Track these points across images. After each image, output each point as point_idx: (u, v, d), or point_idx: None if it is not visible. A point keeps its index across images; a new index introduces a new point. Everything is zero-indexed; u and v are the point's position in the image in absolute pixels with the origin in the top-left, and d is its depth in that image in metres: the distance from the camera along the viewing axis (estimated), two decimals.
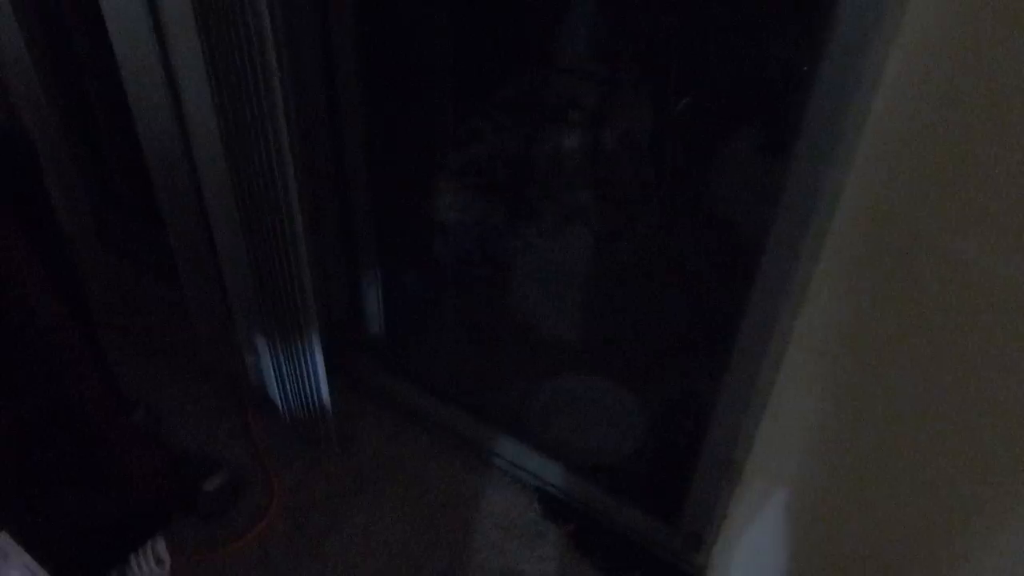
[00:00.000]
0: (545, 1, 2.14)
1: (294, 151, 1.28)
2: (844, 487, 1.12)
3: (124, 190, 1.99)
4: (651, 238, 2.10)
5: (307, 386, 1.57)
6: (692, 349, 1.76)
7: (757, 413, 1.18)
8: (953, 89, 0.79)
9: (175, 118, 1.36)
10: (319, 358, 1.49)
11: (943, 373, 0.95)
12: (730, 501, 1.25)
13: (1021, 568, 1.00)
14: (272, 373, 1.61)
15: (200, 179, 1.42)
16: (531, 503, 1.56)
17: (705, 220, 1.94)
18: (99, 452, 1.36)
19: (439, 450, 1.66)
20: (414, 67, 1.78)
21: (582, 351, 1.86)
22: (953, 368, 0.94)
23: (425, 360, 1.84)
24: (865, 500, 1.11)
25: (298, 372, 1.56)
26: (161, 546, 1.34)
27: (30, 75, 1.70)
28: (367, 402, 1.74)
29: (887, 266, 0.92)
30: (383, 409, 1.73)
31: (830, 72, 0.88)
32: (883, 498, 1.09)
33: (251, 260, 1.45)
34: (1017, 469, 0.94)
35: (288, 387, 1.60)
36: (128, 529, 1.35)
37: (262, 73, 1.17)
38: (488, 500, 1.57)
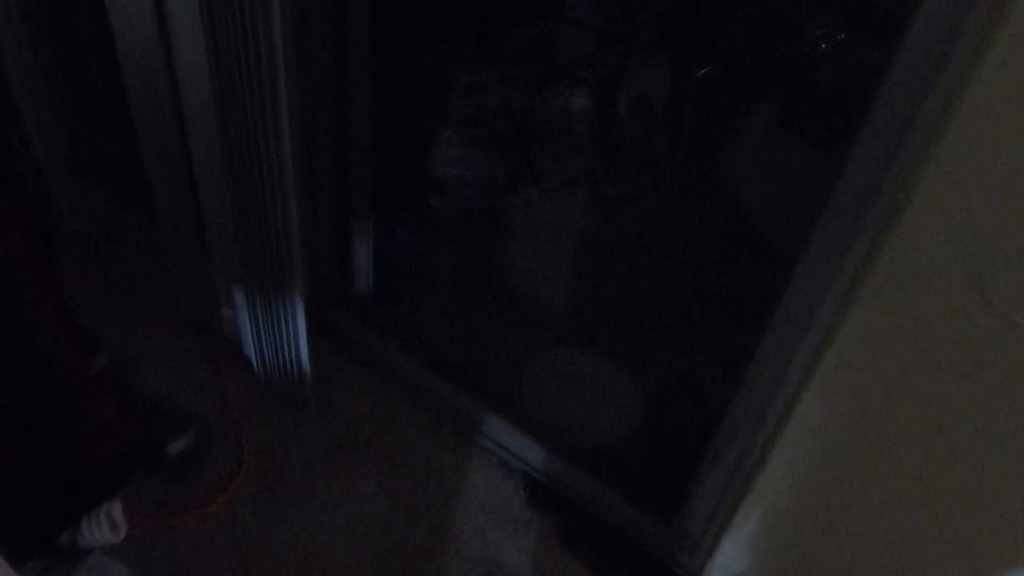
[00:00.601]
0: None
1: (290, 87, 1.15)
2: (860, 519, 1.03)
3: (104, 111, 1.83)
4: (663, 211, 1.98)
5: (286, 345, 1.46)
6: (706, 334, 1.66)
7: (776, 424, 1.08)
8: None
9: (159, 36, 1.21)
10: (301, 318, 1.38)
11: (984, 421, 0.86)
12: (736, 513, 1.16)
13: None
14: (249, 328, 1.49)
15: (182, 107, 1.28)
16: (517, 488, 1.47)
17: (725, 201, 1.82)
18: (52, 401, 1.24)
19: (423, 421, 1.56)
20: (424, 9, 1.63)
21: (582, 325, 1.75)
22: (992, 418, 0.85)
23: (414, 324, 1.73)
24: (882, 539, 1.02)
25: (277, 330, 1.44)
26: (117, 509, 1.24)
27: None
28: (350, 364, 1.63)
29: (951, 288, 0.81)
30: (367, 372, 1.62)
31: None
32: (898, 540, 1.01)
33: (234, 206, 1.32)
34: None
35: (265, 344, 1.49)
36: (81, 489, 1.25)
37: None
38: (471, 480, 1.47)
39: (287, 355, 1.48)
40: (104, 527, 1.21)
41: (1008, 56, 0.68)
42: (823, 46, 1.69)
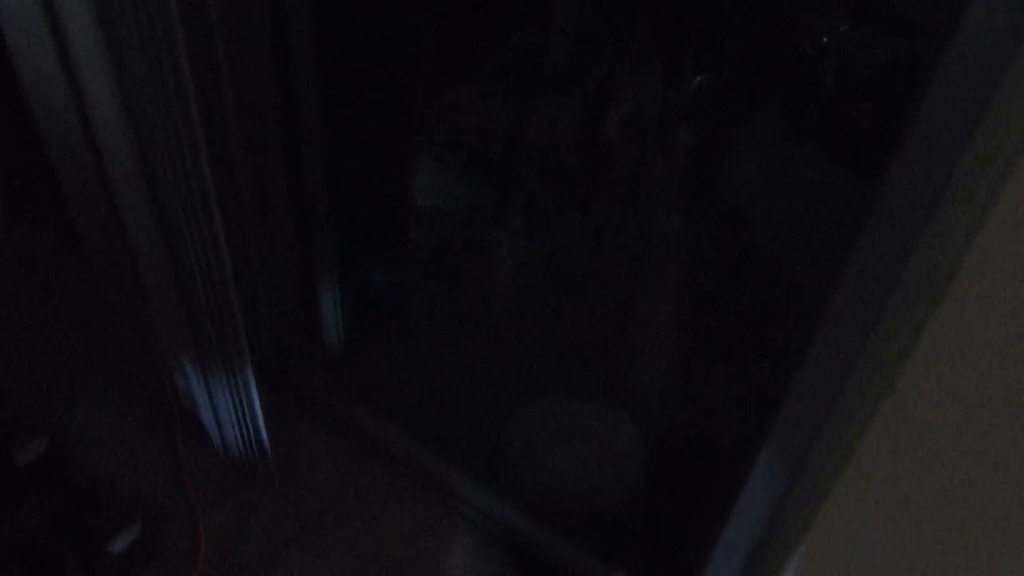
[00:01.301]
0: None
1: (231, 128, 1.01)
2: None
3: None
4: (666, 240, 1.82)
5: (243, 418, 1.31)
6: (721, 380, 1.50)
7: (806, 498, 0.93)
8: None
9: (76, 112, 1.06)
10: (253, 389, 1.23)
11: None
12: None
13: None
14: (204, 398, 1.34)
15: (104, 162, 1.13)
16: (504, 566, 1.31)
17: (736, 226, 1.66)
18: None
19: (402, 493, 1.40)
20: (384, 18, 1.48)
21: (580, 376, 1.59)
22: None
23: (391, 381, 1.57)
24: None
25: (232, 401, 1.30)
26: None
27: None
28: (319, 429, 1.48)
29: None
30: (337, 438, 1.47)
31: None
32: None
33: (174, 276, 1.17)
34: None
35: (223, 416, 1.34)
36: None
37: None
38: (458, 560, 1.32)
39: (245, 427, 1.33)
40: None
41: None
42: (839, 38, 1.52)
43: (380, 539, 1.33)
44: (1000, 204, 0.60)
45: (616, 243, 1.80)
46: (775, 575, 1.01)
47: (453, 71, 1.84)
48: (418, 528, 1.35)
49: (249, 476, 1.38)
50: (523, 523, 1.35)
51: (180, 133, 0.98)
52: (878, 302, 0.76)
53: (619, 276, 1.76)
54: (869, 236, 0.73)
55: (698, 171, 1.74)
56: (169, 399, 1.42)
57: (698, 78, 1.65)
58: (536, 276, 1.78)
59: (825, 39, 1.37)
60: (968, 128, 0.62)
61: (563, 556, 1.31)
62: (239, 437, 1.35)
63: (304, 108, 1.26)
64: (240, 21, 1.10)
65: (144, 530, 1.26)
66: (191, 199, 1.04)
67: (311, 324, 1.51)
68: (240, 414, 1.31)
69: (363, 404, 1.49)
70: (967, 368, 0.69)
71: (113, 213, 1.18)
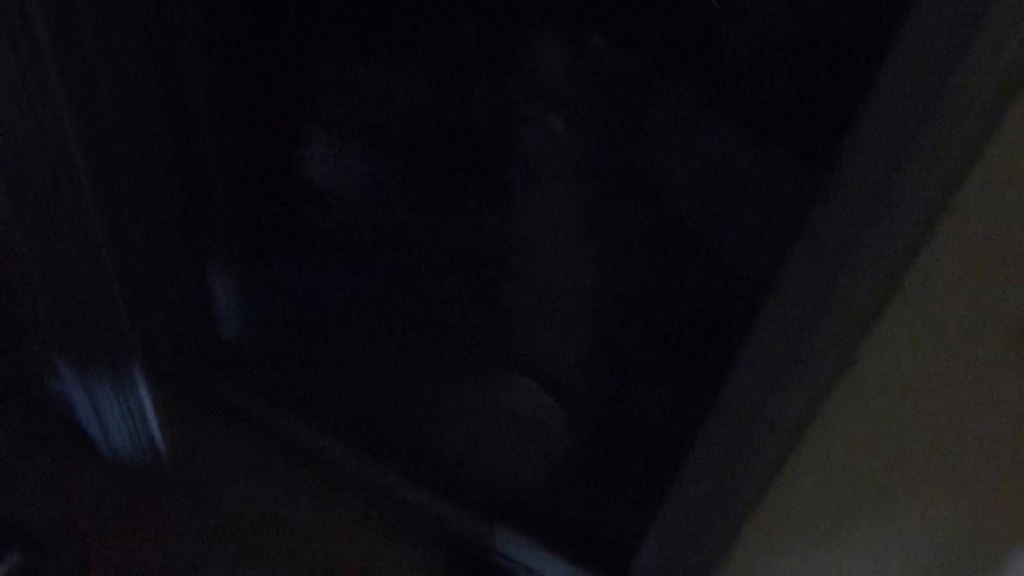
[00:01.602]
0: None
1: (101, 97, 0.86)
2: None
3: None
4: (598, 216, 1.74)
5: (133, 421, 1.16)
6: (664, 351, 1.44)
7: (752, 476, 0.87)
8: None
9: None
10: (143, 391, 1.08)
11: None
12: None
13: None
14: (84, 403, 1.18)
15: None
16: (441, 564, 1.22)
17: (670, 199, 1.59)
18: None
19: (319, 492, 1.28)
20: None
21: (505, 356, 1.50)
22: None
23: (296, 373, 1.44)
24: None
25: (119, 403, 1.14)
26: None
27: None
28: (223, 428, 1.33)
29: None
30: (244, 438, 1.33)
31: None
32: None
33: (37, 261, 1.00)
34: None
35: (108, 420, 1.18)
36: None
37: None
38: (387, 564, 1.21)
39: (137, 432, 1.18)
40: None
41: None
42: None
43: (303, 545, 1.21)
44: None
45: (529, 218, 1.71)
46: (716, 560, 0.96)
47: (350, 39, 1.69)
48: (342, 530, 1.24)
49: (147, 487, 1.22)
50: (453, 512, 1.25)
51: (38, 102, 0.82)
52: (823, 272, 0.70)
53: (533, 252, 1.68)
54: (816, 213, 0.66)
55: (615, 143, 1.66)
56: (43, 407, 1.25)
57: (610, 44, 1.57)
58: (444, 256, 1.68)
59: None
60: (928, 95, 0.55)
61: (498, 544, 1.22)
62: (131, 444, 1.20)
63: (188, 80, 1.11)
64: None
65: (26, 559, 1.10)
66: (56, 176, 0.88)
67: (205, 314, 1.36)
68: (129, 417, 1.16)
69: (269, 398, 1.35)
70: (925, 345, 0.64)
71: None
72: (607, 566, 1.16)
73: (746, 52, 1.20)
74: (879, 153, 0.59)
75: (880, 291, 0.65)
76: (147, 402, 1.11)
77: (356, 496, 1.27)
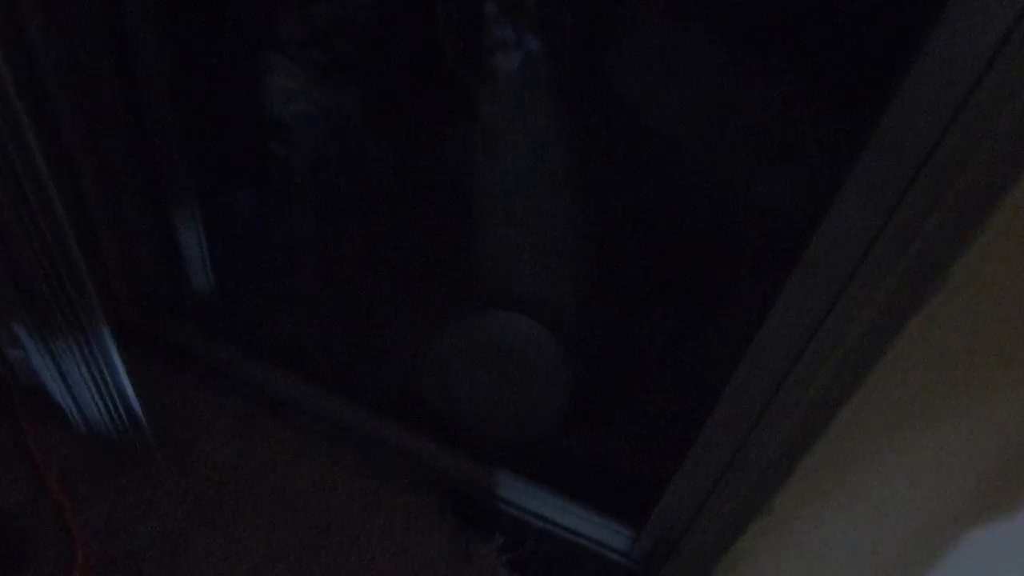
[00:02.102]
0: None
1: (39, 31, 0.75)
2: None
3: None
4: (571, 132, 1.65)
5: (104, 386, 1.08)
6: (675, 289, 1.38)
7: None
8: None
9: None
10: (113, 352, 1.00)
11: None
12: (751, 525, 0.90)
13: None
14: (50, 370, 1.09)
15: None
16: (443, 513, 1.17)
17: (653, 121, 1.51)
18: None
19: (306, 448, 1.22)
20: None
21: (496, 290, 1.44)
22: None
23: (277, 323, 1.36)
24: None
25: (88, 368, 1.06)
26: None
27: None
28: (201, 387, 1.26)
29: None
30: (224, 395, 1.26)
31: None
32: None
33: None
34: None
35: (77, 388, 1.10)
36: None
37: None
38: (385, 516, 1.16)
39: (109, 397, 1.10)
40: None
41: None
42: None
43: (292, 505, 1.16)
44: None
45: (507, 143, 1.62)
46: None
47: None
48: (336, 484, 1.18)
49: (125, 455, 1.15)
50: (453, 462, 1.20)
51: None
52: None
53: (510, 181, 1.59)
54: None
55: (592, 64, 1.57)
56: (7, 376, 1.16)
57: None
58: (421, 187, 1.59)
59: None
60: None
61: (504, 493, 1.18)
62: (103, 411, 1.12)
63: (136, 11, 1.00)
64: None
65: (2, 541, 1.03)
66: None
67: (172, 265, 1.27)
68: (100, 382, 1.08)
69: (248, 350, 1.28)
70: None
71: None
72: (626, 511, 1.12)
73: None
74: None
75: None
76: (118, 364, 1.03)
77: (347, 448, 1.22)
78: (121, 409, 1.11)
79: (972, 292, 0.60)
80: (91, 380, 1.08)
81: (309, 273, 1.46)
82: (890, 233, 0.64)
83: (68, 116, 1.02)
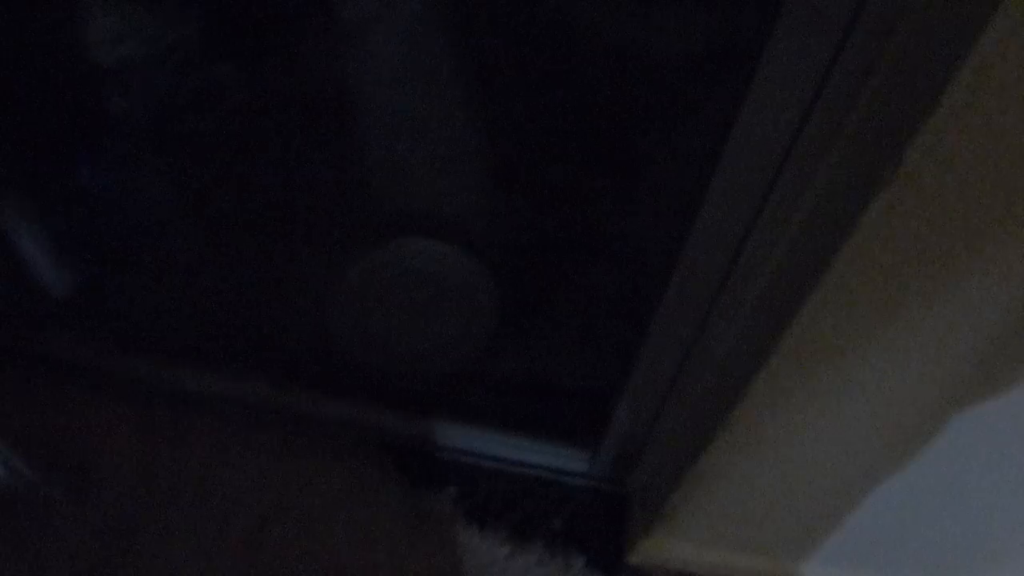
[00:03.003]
0: None
1: None
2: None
3: None
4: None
5: None
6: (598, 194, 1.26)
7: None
8: None
9: None
10: None
11: None
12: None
13: None
14: None
15: None
16: (386, 476, 1.08)
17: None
18: None
19: (227, 440, 1.10)
20: None
21: (395, 216, 1.30)
22: None
23: (158, 307, 1.21)
24: None
25: None
26: None
27: None
28: (93, 400, 1.12)
29: None
30: (121, 403, 1.12)
31: None
32: None
33: None
34: None
35: None
36: None
37: None
38: (325, 493, 1.07)
39: None
40: None
41: None
42: None
43: (220, 507, 1.05)
44: None
45: (377, 39, 1.44)
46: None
47: None
48: (262, 475, 1.07)
49: (8, 505, 1.02)
50: (387, 420, 1.10)
51: None
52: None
53: (386, 85, 1.42)
54: None
55: None
56: None
57: None
58: (289, 113, 1.41)
59: None
60: None
61: (452, 442, 1.09)
62: None
63: None
64: None
65: None
66: None
67: (9, 265, 1.10)
68: None
69: (131, 345, 1.13)
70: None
71: None
72: (579, 431, 1.05)
73: None
74: None
75: None
76: None
77: (269, 429, 1.10)
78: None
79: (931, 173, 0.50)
80: None
81: (181, 241, 1.29)
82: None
83: None
